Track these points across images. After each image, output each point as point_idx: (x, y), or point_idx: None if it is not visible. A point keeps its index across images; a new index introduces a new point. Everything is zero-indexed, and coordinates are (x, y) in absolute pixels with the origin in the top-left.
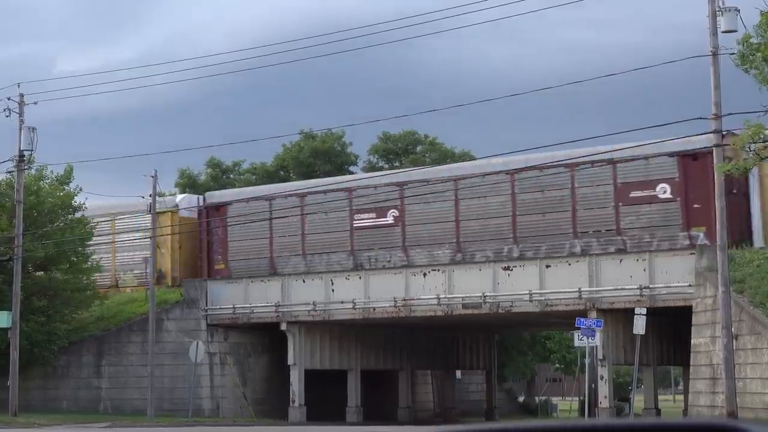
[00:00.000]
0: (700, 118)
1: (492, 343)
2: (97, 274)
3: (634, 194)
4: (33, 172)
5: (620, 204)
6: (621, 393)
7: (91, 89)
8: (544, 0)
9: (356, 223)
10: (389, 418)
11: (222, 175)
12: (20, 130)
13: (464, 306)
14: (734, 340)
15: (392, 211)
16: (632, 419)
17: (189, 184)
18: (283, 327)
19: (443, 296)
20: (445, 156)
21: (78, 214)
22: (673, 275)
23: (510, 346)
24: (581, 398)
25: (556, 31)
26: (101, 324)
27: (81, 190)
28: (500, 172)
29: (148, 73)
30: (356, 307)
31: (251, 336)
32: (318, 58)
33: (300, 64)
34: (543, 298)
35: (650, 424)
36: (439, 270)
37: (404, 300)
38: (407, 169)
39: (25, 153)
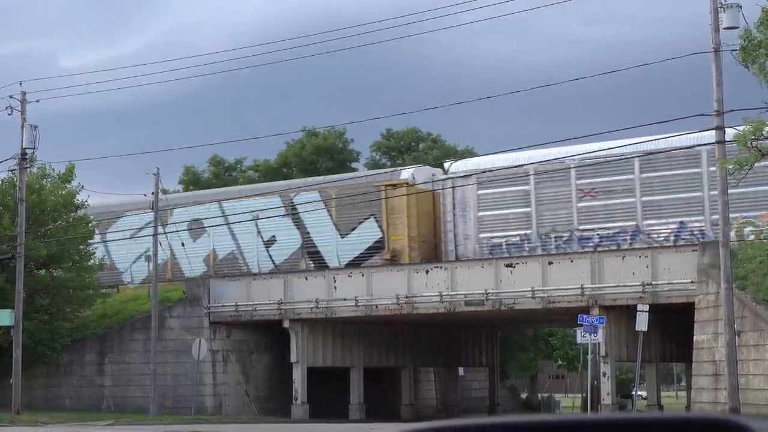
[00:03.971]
0: (702, 115)
1: (495, 340)
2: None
3: None
4: (35, 170)
5: None
6: (624, 390)
7: (92, 87)
8: None
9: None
10: (392, 415)
11: (224, 173)
12: (22, 128)
13: (467, 303)
14: (737, 337)
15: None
16: (633, 413)
17: (193, 181)
18: (286, 324)
19: (445, 293)
20: (448, 153)
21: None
22: (676, 272)
23: (513, 343)
24: (584, 395)
25: (556, 26)
26: (104, 322)
27: (83, 188)
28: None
29: (149, 71)
30: (359, 304)
31: (254, 333)
32: (320, 55)
33: (300, 61)
34: (545, 295)
35: (651, 418)
36: (441, 267)
37: (407, 297)
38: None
39: (28, 151)
